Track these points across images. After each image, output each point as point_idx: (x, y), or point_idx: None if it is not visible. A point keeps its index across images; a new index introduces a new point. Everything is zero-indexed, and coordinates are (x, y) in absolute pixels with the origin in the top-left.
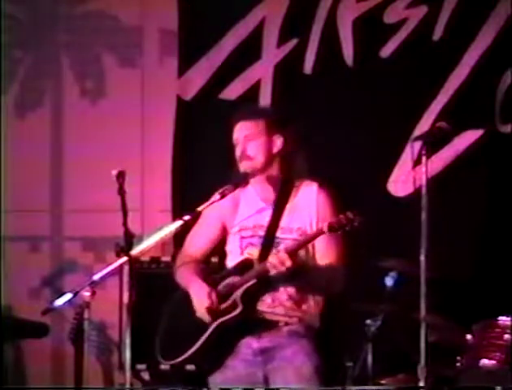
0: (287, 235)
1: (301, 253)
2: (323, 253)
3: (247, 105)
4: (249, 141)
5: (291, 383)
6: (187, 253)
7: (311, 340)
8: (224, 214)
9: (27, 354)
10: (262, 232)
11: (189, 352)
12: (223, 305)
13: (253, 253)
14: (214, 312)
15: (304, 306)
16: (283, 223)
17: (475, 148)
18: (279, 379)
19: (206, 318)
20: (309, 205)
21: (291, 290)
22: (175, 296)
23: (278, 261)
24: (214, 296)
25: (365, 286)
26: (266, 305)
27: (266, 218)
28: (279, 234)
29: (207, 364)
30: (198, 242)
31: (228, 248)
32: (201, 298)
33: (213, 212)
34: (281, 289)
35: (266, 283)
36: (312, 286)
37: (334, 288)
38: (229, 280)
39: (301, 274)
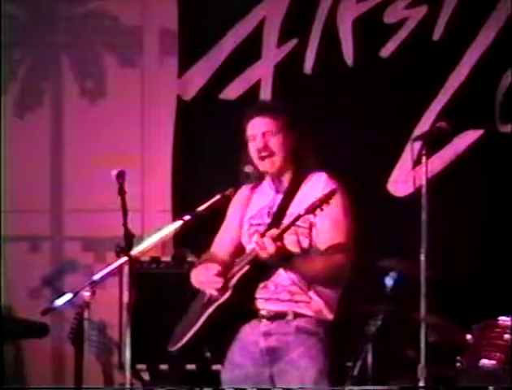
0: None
1: (306, 241)
2: (326, 240)
3: (257, 102)
4: (270, 137)
5: (294, 385)
6: (212, 251)
7: (321, 338)
8: (241, 209)
9: (27, 354)
10: (268, 219)
11: (188, 335)
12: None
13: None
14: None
15: (311, 292)
16: (290, 210)
17: (475, 148)
18: (283, 381)
19: (217, 284)
20: (316, 193)
21: (294, 276)
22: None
23: (260, 246)
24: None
25: (365, 286)
26: (270, 292)
27: (274, 206)
28: (285, 221)
29: (210, 352)
30: (222, 240)
31: (242, 239)
32: (207, 272)
33: (233, 209)
34: (284, 275)
35: (260, 270)
36: (312, 273)
37: (337, 275)
38: (232, 270)
39: (292, 259)
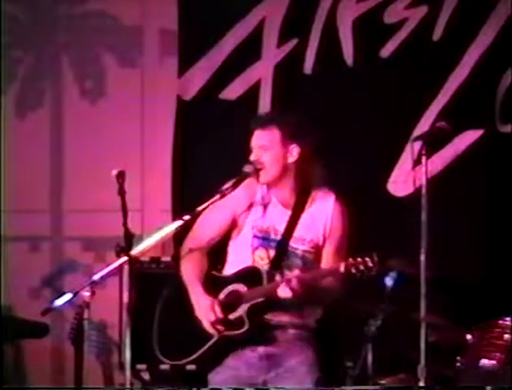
0: (299, 245)
1: (310, 257)
2: (329, 264)
3: (259, 115)
4: (265, 152)
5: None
6: (194, 239)
7: (315, 344)
8: (237, 206)
9: (27, 354)
10: (275, 237)
11: (192, 357)
12: (230, 316)
13: (263, 256)
14: (219, 324)
15: (306, 311)
16: (297, 232)
17: (475, 148)
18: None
19: (211, 330)
20: (324, 217)
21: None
22: (169, 289)
23: (290, 290)
24: (217, 308)
25: (365, 286)
26: (272, 313)
27: (281, 222)
28: (292, 243)
29: (210, 368)
30: (207, 229)
31: (237, 242)
32: (204, 311)
33: (225, 202)
34: (288, 301)
35: (274, 302)
36: (315, 301)
37: (330, 301)
38: (234, 287)
39: (308, 298)
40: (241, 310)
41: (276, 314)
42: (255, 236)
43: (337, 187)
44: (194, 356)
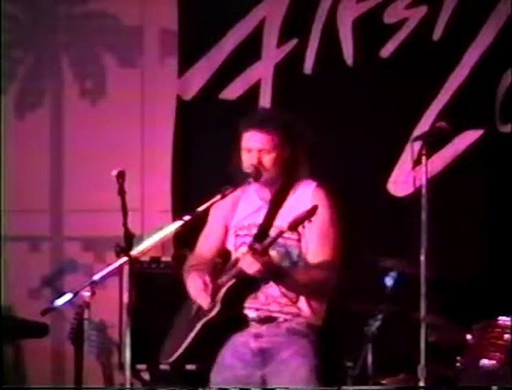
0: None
1: (295, 252)
2: (314, 251)
3: (257, 110)
4: (265, 155)
5: (287, 385)
6: (197, 254)
7: (312, 340)
8: (226, 213)
9: (27, 354)
10: (255, 231)
11: (179, 351)
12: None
13: (245, 251)
14: (211, 289)
15: (300, 303)
16: (277, 221)
17: (475, 148)
18: (276, 382)
19: (204, 299)
20: (304, 204)
21: (283, 287)
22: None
23: (245, 264)
24: (205, 276)
25: (365, 286)
26: (260, 302)
27: (261, 217)
28: (271, 232)
29: (205, 362)
30: (206, 243)
31: (228, 246)
32: (194, 285)
33: (217, 213)
34: (274, 286)
35: (248, 283)
36: (299, 286)
37: (324, 287)
38: (219, 280)
39: (278, 274)
40: (217, 297)
41: (266, 309)
42: (237, 236)
43: (337, 186)
44: (180, 350)
